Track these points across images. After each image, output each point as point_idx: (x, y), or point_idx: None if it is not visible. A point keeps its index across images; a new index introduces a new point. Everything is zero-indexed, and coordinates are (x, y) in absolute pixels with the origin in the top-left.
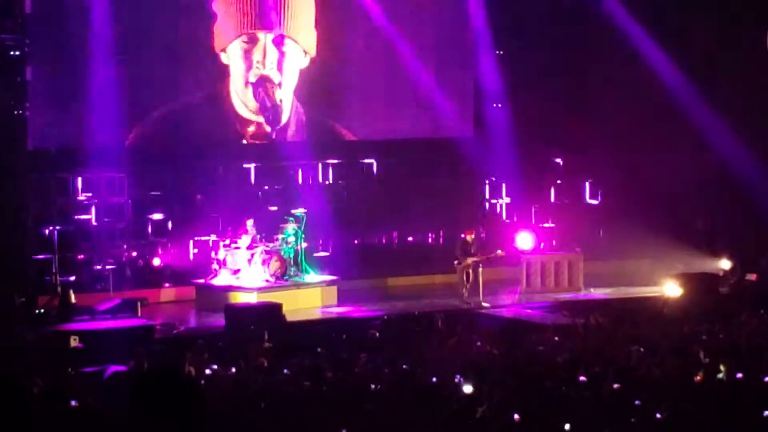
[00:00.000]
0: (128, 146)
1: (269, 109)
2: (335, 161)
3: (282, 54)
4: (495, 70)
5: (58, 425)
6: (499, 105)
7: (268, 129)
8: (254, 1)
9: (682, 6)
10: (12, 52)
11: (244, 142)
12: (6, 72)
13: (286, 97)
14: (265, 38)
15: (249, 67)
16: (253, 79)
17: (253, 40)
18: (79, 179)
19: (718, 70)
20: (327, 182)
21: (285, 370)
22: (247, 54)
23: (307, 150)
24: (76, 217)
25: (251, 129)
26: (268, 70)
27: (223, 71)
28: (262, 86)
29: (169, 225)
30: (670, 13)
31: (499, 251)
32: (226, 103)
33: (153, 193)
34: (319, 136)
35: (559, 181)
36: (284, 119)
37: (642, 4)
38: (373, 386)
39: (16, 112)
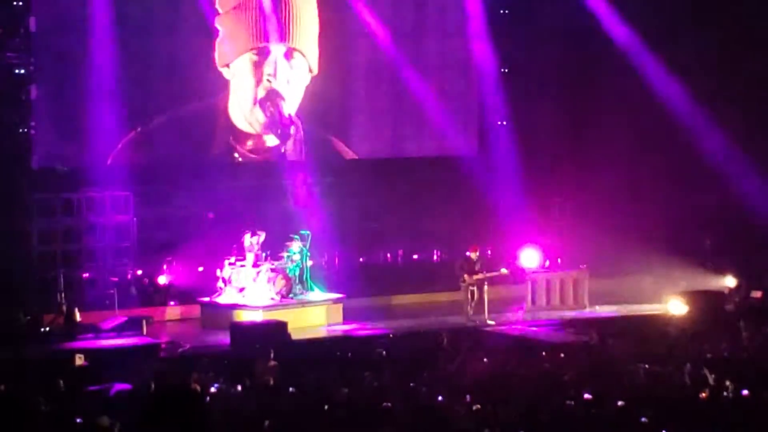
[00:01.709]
0: (127, 159)
1: (278, 123)
2: (340, 179)
3: (291, 68)
4: (499, 88)
5: None
6: (504, 123)
7: (272, 143)
8: (264, 14)
9: (687, 25)
10: (17, 71)
11: (236, 155)
12: (11, 90)
13: (292, 111)
14: (276, 51)
15: (258, 81)
16: (262, 93)
17: (263, 53)
18: (84, 198)
19: (722, 91)
20: (331, 200)
21: (290, 389)
22: (257, 67)
23: (311, 168)
24: (81, 235)
25: (249, 143)
26: (278, 83)
27: (223, 85)
28: (272, 100)
29: (175, 243)
30: (675, 33)
31: (504, 269)
32: (223, 117)
33: (158, 210)
34: (320, 154)
35: (564, 199)
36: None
37: (646, 25)
38: (378, 405)
39: (20, 131)
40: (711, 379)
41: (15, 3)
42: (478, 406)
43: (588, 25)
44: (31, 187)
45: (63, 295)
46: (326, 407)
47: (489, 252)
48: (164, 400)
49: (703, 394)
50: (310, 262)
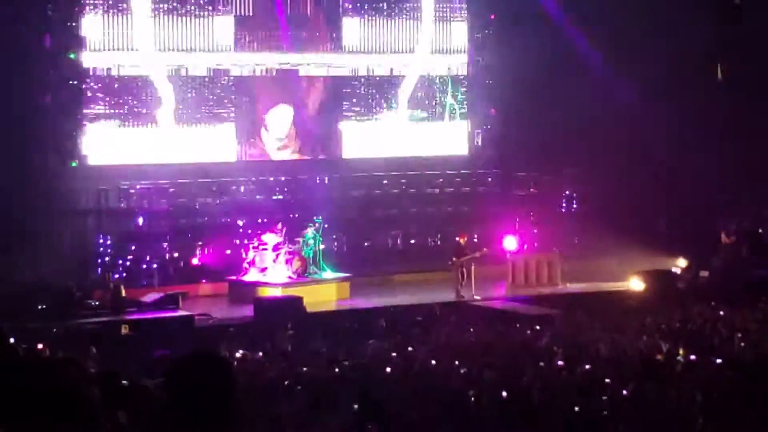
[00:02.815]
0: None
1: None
2: (348, 175)
3: None
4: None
5: (112, 399)
6: (489, 126)
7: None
8: None
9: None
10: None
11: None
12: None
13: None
14: None
15: None
16: None
17: None
18: (131, 189)
19: (670, 93)
20: (341, 193)
21: (305, 354)
22: None
23: (324, 165)
24: (127, 222)
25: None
26: None
27: None
28: None
29: (207, 229)
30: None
31: (485, 249)
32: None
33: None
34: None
35: (541, 192)
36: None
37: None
38: (380, 369)
39: (74, 133)
40: (664, 346)
41: None
42: (466, 369)
43: (565, 30)
44: (86, 180)
45: (111, 274)
46: (336, 370)
47: (476, 238)
48: (197, 365)
49: (659, 359)
50: (322, 246)
